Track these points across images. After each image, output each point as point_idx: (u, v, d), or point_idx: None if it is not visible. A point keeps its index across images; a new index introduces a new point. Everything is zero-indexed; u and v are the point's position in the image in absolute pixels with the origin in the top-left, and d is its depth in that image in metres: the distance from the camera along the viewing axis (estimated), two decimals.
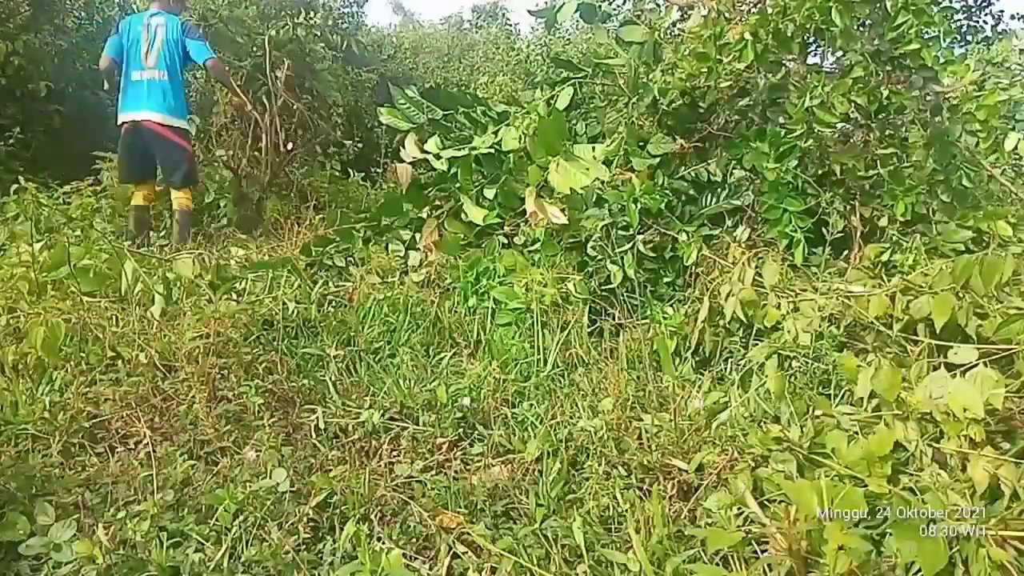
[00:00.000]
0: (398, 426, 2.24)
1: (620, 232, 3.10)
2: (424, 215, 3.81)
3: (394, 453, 2.14)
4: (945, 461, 1.71)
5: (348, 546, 1.65)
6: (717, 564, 1.58)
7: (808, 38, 3.08)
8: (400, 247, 3.79)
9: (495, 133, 3.70)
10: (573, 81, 3.82)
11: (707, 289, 2.80)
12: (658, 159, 3.31)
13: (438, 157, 3.77)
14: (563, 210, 3.24)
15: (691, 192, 3.30)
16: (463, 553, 1.70)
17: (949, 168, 3.07)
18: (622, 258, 3.05)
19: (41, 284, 2.69)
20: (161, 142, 4.55)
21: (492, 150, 3.66)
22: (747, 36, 2.96)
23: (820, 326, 2.36)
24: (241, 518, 1.71)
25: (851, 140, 3.37)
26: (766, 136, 3.06)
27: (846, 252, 3.01)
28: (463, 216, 3.65)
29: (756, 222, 3.17)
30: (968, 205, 3.14)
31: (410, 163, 3.87)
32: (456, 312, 3.15)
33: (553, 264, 3.19)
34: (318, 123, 5.48)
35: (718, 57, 3.10)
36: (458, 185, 3.66)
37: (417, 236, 3.80)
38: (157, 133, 4.53)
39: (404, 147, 3.91)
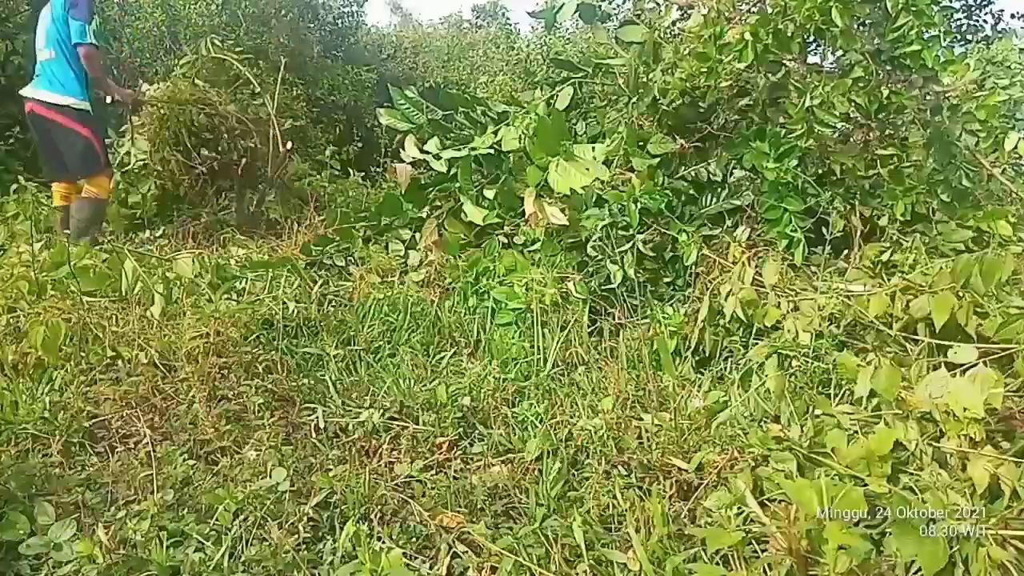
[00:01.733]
0: (398, 426, 2.24)
1: (620, 232, 3.10)
2: (424, 215, 3.82)
3: (394, 452, 2.14)
4: (945, 461, 1.71)
5: (348, 546, 1.65)
6: (717, 564, 1.58)
7: (808, 38, 3.07)
8: (400, 247, 3.80)
9: (495, 133, 3.71)
10: (573, 81, 3.82)
11: (707, 289, 2.80)
12: (658, 159, 3.31)
13: (438, 157, 3.77)
14: (563, 210, 3.24)
15: (691, 192, 3.30)
16: (463, 552, 1.70)
17: (949, 168, 3.07)
18: (622, 258, 3.05)
19: (41, 284, 2.69)
20: (51, 127, 4.11)
21: (492, 150, 3.66)
22: (747, 36, 2.96)
23: (820, 326, 2.37)
24: (241, 518, 1.71)
25: (851, 140, 3.37)
26: (766, 136, 3.06)
27: (846, 252, 3.01)
28: (463, 216, 3.66)
29: (756, 222, 3.17)
30: (968, 205, 3.14)
31: (410, 163, 3.88)
32: (456, 312, 3.15)
33: (553, 264, 3.19)
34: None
35: (718, 57, 3.10)
36: (458, 185, 3.66)
37: (417, 236, 3.80)
38: (44, 117, 4.10)
39: (404, 147, 3.92)
